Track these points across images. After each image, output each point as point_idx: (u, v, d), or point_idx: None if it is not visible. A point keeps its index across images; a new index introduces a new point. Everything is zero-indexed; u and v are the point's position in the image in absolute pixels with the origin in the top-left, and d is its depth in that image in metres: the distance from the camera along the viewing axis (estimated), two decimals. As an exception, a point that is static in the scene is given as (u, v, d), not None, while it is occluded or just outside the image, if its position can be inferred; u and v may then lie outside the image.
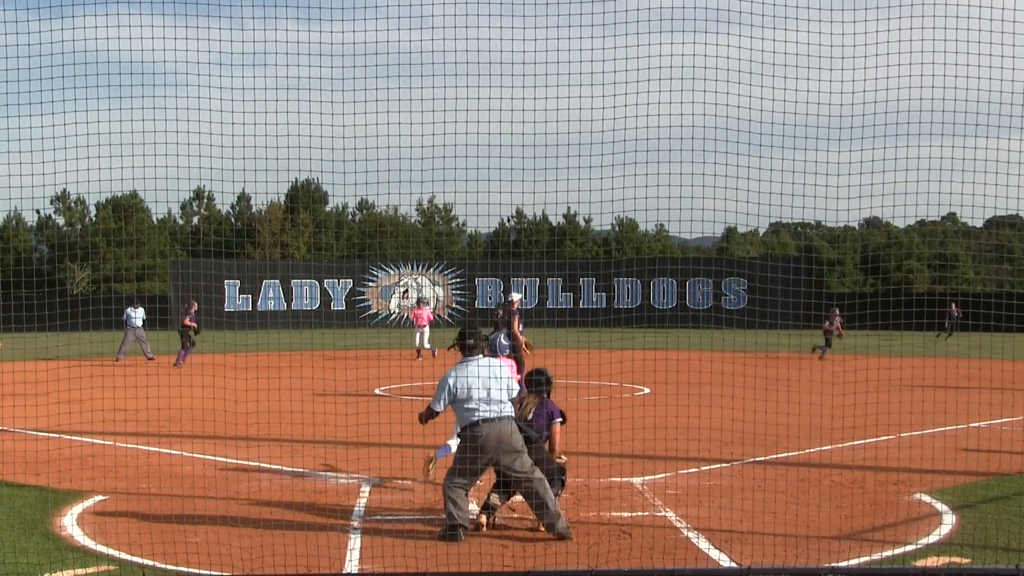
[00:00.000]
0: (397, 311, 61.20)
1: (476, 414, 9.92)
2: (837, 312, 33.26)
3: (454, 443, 11.16)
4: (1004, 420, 17.78)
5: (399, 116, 8.99)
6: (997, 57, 6.75)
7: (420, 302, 34.44)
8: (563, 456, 10.83)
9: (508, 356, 11.80)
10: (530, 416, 10.72)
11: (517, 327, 20.23)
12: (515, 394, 10.28)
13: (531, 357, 18.23)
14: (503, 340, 12.29)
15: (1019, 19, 6.67)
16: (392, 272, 62.28)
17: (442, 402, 10.11)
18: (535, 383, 10.97)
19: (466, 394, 10.00)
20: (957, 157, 6.99)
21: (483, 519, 10.13)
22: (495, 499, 10.26)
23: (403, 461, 13.21)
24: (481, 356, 10.34)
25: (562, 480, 10.71)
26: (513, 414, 10.07)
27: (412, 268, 62.77)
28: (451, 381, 10.09)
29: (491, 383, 10.02)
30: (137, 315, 33.05)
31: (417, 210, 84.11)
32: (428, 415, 10.24)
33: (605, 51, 6.63)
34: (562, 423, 10.83)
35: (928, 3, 6.72)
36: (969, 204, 7.38)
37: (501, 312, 21.18)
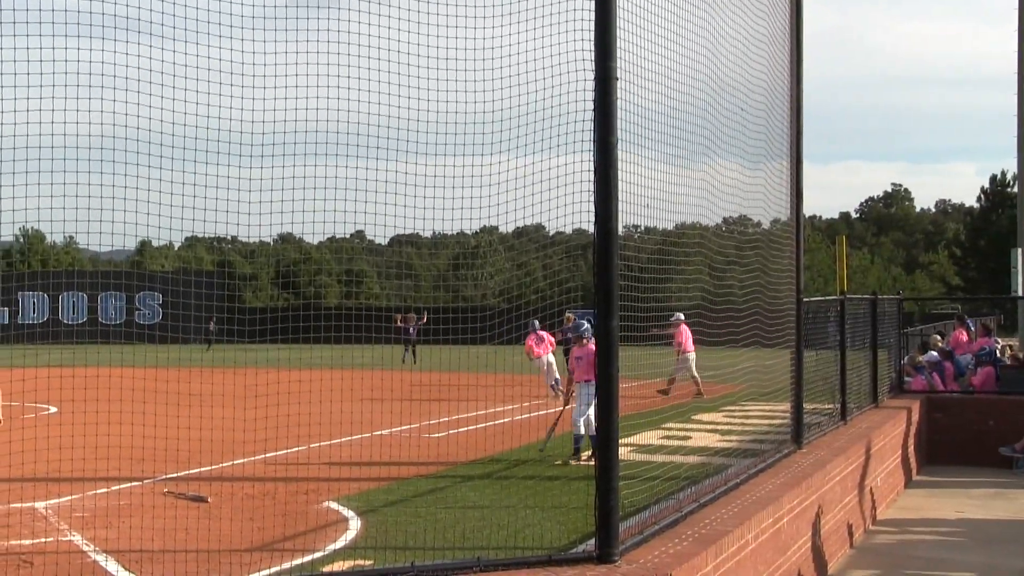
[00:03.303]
0: None
1: None
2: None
3: None
4: (403, 427, 18.94)
5: None
6: (396, 86, 7.19)
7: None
8: None
9: None
10: None
11: None
12: None
13: None
14: None
15: (414, 52, 7.16)
16: None
17: None
18: None
19: None
20: (362, 178, 7.35)
21: None
22: None
23: None
24: None
25: None
26: None
27: None
28: None
29: None
30: None
31: None
32: None
33: (3, 52, 6.24)
34: None
35: (333, 29, 7.01)
36: (373, 223, 7.76)
37: None
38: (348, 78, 7.00)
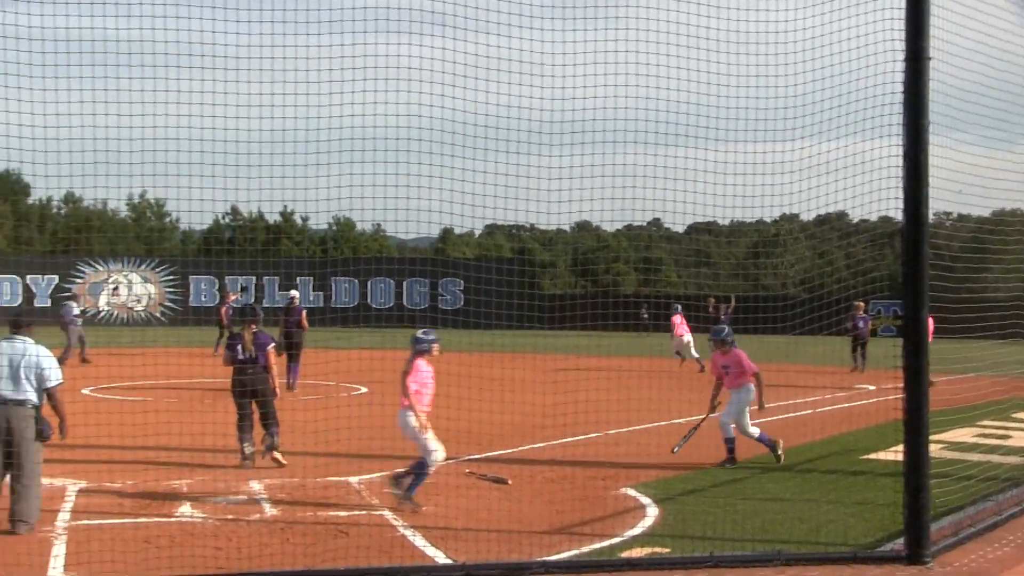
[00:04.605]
0: (107, 308, 58.82)
1: None
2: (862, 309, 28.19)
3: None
4: (699, 417, 18.74)
5: (107, 107, 8.58)
6: (695, 72, 7.12)
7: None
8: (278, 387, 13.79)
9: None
10: (252, 347, 13.51)
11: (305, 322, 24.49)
12: (50, 382, 10.26)
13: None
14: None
15: (713, 37, 7.06)
16: (101, 268, 59.72)
17: None
18: (241, 313, 15.03)
19: None
20: (660, 165, 7.33)
21: None
22: None
23: (111, 463, 12.71)
24: (26, 338, 10.37)
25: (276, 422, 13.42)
26: (36, 401, 10.15)
27: (123, 264, 60.47)
28: None
29: (16, 363, 10.10)
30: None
31: (127, 205, 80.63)
32: None
33: (321, 49, 6.58)
34: (275, 347, 13.83)
35: (632, 17, 7.01)
36: (671, 211, 7.75)
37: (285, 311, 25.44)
38: (646, 65, 7.00)
